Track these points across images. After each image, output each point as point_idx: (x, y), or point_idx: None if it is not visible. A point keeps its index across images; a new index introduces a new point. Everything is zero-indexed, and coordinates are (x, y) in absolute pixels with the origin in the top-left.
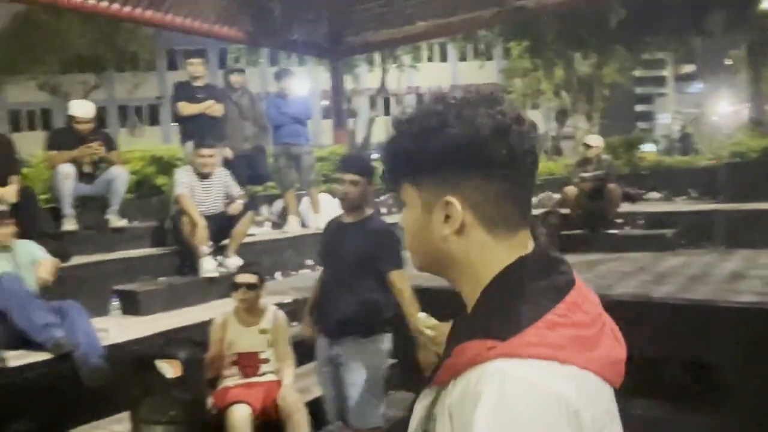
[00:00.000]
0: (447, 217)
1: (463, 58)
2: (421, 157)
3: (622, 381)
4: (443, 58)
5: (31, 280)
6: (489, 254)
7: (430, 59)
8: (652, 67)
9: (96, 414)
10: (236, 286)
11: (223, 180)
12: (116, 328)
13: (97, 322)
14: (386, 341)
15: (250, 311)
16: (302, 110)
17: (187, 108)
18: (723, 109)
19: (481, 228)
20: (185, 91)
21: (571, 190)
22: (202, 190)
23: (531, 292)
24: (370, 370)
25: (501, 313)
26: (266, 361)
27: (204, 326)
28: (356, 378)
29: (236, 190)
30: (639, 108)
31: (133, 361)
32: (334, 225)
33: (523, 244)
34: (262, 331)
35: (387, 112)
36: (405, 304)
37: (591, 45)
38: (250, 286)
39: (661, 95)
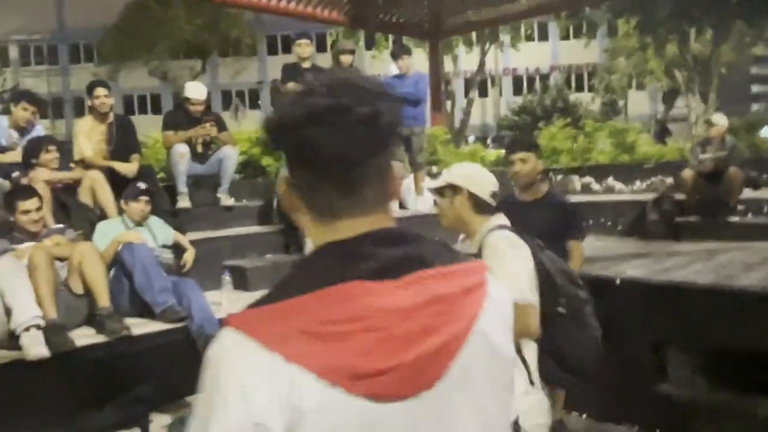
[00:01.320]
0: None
1: (565, 37)
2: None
3: (411, 393)
4: (543, 37)
5: (163, 254)
6: (315, 237)
7: (529, 38)
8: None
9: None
10: None
11: None
12: (227, 302)
13: (211, 296)
14: None
15: None
16: (414, 91)
17: (296, 89)
18: None
19: (307, 210)
20: (293, 73)
21: (687, 173)
22: None
23: (298, 279)
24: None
25: (270, 292)
26: None
27: None
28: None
29: None
30: (755, 89)
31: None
32: (512, 205)
33: (350, 232)
34: None
35: (484, 94)
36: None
37: (708, 20)
38: None
39: None
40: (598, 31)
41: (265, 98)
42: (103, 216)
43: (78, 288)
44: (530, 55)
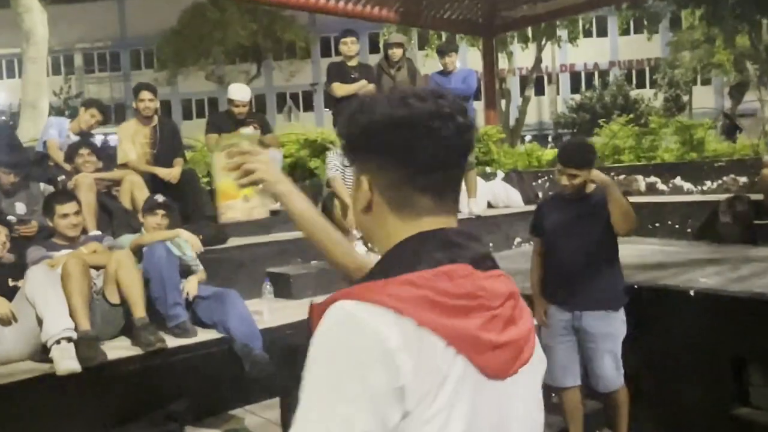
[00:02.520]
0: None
1: (624, 32)
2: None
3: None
4: (602, 32)
5: (191, 261)
6: (393, 232)
7: (587, 34)
8: None
9: (248, 398)
10: None
11: None
12: (269, 311)
13: (251, 305)
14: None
15: None
16: (462, 86)
17: (341, 89)
18: None
19: (385, 207)
20: (339, 72)
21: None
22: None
23: (405, 259)
24: (616, 339)
25: (372, 272)
26: None
27: None
28: (608, 347)
29: None
30: None
31: (286, 347)
32: (560, 203)
33: (435, 228)
34: None
35: (540, 92)
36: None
37: None
38: None
39: None
40: (660, 24)
41: (319, 100)
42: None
43: (114, 297)
44: (588, 51)
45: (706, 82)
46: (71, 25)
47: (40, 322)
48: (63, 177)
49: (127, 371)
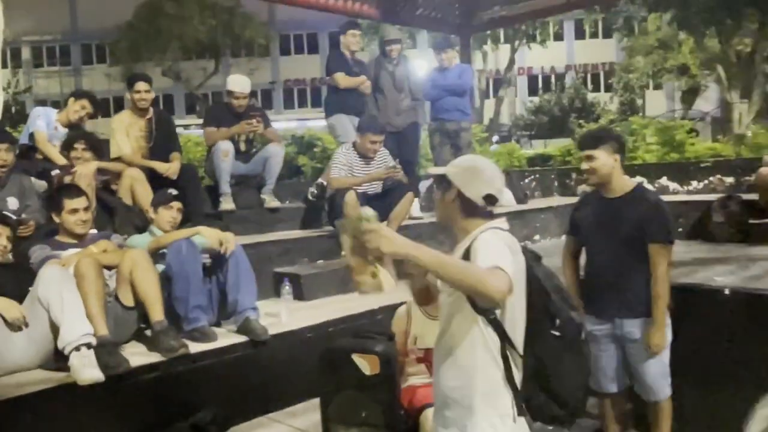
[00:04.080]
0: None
1: (580, 37)
2: None
3: None
4: (558, 36)
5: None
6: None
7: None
8: None
9: (273, 405)
10: None
11: (384, 160)
12: (287, 313)
13: (262, 306)
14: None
15: (430, 303)
16: (458, 82)
17: (344, 80)
18: None
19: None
20: (343, 63)
21: (766, 172)
22: (362, 170)
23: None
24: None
25: None
26: None
27: (371, 315)
28: (653, 355)
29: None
30: None
31: (327, 352)
32: (595, 201)
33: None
34: None
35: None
36: (656, 285)
37: (754, 10)
38: None
39: None
40: (615, 29)
41: (278, 98)
42: (144, 218)
43: (128, 299)
44: (545, 55)
45: (658, 86)
46: (19, 17)
47: (53, 326)
48: (57, 171)
49: (149, 379)
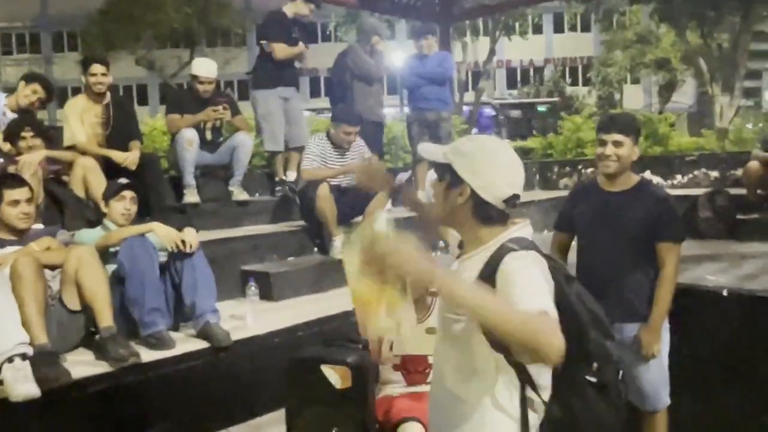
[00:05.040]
0: None
1: (559, 30)
2: None
3: None
4: (537, 29)
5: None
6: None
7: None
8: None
9: (235, 417)
10: None
11: (359, 151)
12: (253, 315)
13: (228, 307)
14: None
15: (416, 305)
16: (438, 69)
17: (283, 51)
18: None
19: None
20: (283, 28)
21: (755, 165)
22: (337, 161)
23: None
24: (662, 352)
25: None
26: None
27: (344, 317)
28: (654, 361)
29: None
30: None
31: (293, 363)
32: (593, 195)
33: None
34: (430, 330)
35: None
36: (662, 284)
37: (736, 5)
38: None
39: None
40: (596, 21)
41: None
42: (98, 211)
43: (73, 303)
44: (524, 48)
45: (635, 81)
46: None
47: None
48: (0, 160)
49: (94, 392)
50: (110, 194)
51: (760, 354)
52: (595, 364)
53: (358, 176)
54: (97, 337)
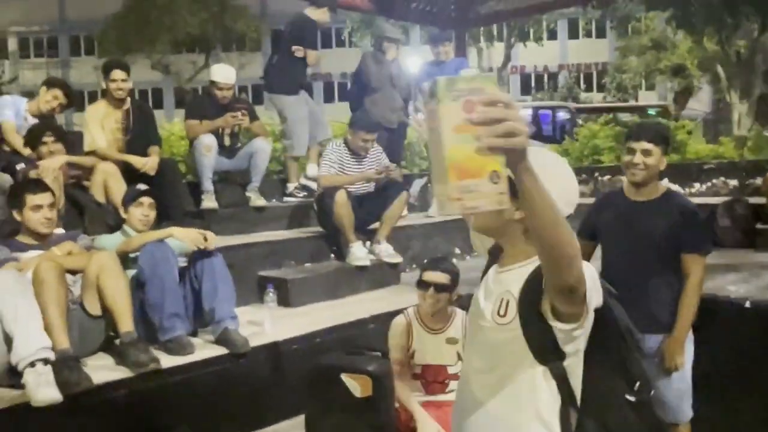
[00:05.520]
0: None
1: (574, 36)
2: None
3: None
4: (552, 35)
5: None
6: None
7: (538, 37)
8: None
9: (255, 423)
10: (424, 286)
11: (377, 158)
12: (271, 322)
13: (246, 313)
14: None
15: (436, 315)
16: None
17: (315, 57)
18: None
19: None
20: (314, 33)
21: None
22: (354, 167)
23: None
24: (687, 363)
25: None
26: (456, 377)
27: (362, 324)
28: (677, 373)
29: (389, 165)
30: None
31: (313, 371)
32: (620, 203)
33: None
34: (450, 341)
35: None
36: (687, 295)
37: (754, 11)
38: (441, 287)
39: None
40: (608, 29)
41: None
42: (118, 217)
43: (94, 308)
44: (538, 54)
45: (650, 87)
46: (5, 7)
47: (8, 338)
48: (22, 165)
49: (115, 397)
50: (129, 200)
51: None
52: (637, 384)
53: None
54: (117, 342)
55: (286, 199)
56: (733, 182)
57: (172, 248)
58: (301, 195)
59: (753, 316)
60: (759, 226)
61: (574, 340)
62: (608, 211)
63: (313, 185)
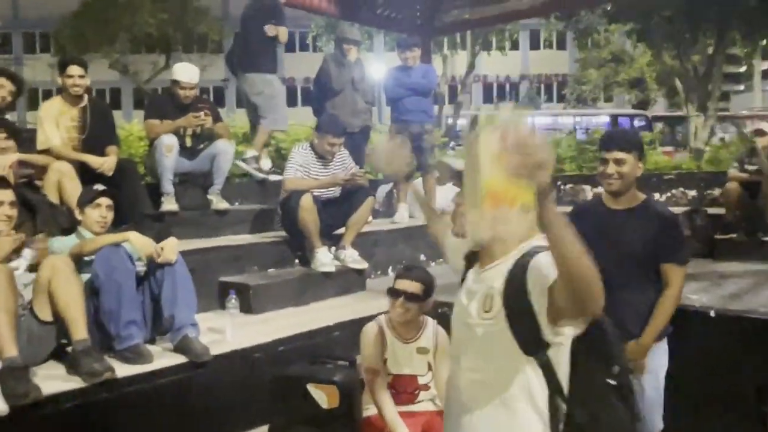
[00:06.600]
0: None
1: (535, 47)
2: None
3: None
4: (514, 45)
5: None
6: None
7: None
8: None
9: None
10: (395, 294)
11: (343, 162)
12: (232, 329)
13: (207, 319)
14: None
15: (407, 325)
16: (423, 81)
17: (286, 34)
18: None
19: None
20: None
21: (733, 186)
22: (320, 171)
23: None
24: (658, 374)
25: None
26: (426, 387)
27: (327, 331)
28: (651, 384)
29: (357, 170)
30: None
31: (278, 381)
32: (598, 211)
33: None
34: (421, 350)
35: (452, 101)
36: (663, 303)
37: (712, 27)
38: (412, 297)
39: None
40: (569, 41)
41: (231, 96)
42: (72, 218)
43: (45, 313)
44: (500, 64)
45: (609, 99)
46: None
47: None
48: None
49: (67, 409)
50: (85, 201)
51: (749, 375)
52: (616, 367)
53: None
54: (69, 350)
55: (238, 162)
56: (692, 193)
57: (130, 252)
58: (252, 167)
59: (717, 326)
60: (717, 236)
61: (561, 334)
62: (586, 220)
63: (264, 176)
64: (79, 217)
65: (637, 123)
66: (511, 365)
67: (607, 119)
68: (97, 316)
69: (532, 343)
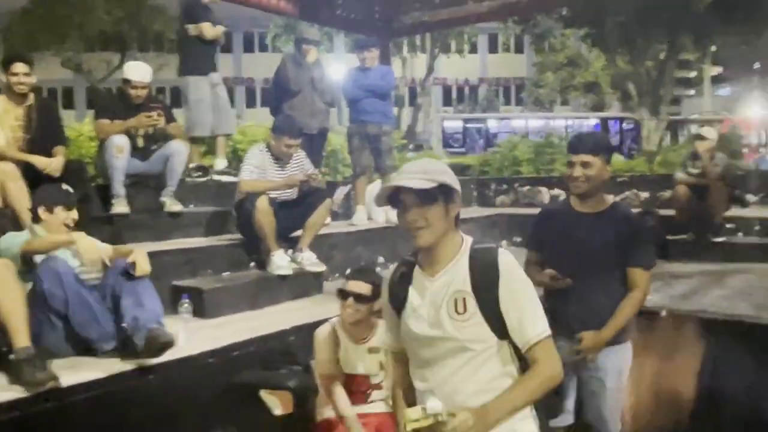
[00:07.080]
0: None
1: (493, 50)
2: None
3: None
4: (472, 49)
5: (90, 273)
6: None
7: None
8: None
9: None
10: (344, 295)
11: (300, 164)
12: (185, 334)
13: None
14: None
15: (358, 325)
16: (381, 83)
17: (212, 30)
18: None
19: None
20: (206, 10)
21: (683, 189)
22: (276, 173)
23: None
24: (621, 376)
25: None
26: (379, 387)
27: (282, 336)
28: (615, 385)
29: (314, 172)
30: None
31: (231, 388)
32: (565, 215)
33: None
34: (372, 350)
35: (412, 103)
36: (627, 304)
37: (664, 33)
38: (361, 298)
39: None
40: (526, 45)
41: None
42: (16, 221)
43: None
44: (459, 67)
45: (565, 102)
46: None
47: None
48: None
49: (7, 420)
50: (51, 201)
51: (707, 376)
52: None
53: None
54: (11, 357)
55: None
56: (645, 194)
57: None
58: (195, 175)
59: (668, 325)
60: (669, 237)
61: None
62: (553, 222)
63: (223, 178)
64: (42, 216)
65: (625, 126)
66: (492, 350)
67: (596, 122)
68: (40, 324)
69: (506, 330)
